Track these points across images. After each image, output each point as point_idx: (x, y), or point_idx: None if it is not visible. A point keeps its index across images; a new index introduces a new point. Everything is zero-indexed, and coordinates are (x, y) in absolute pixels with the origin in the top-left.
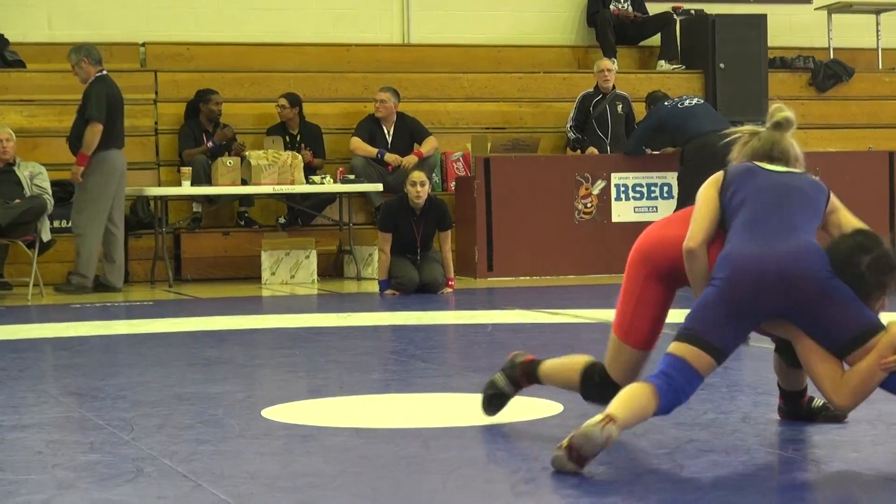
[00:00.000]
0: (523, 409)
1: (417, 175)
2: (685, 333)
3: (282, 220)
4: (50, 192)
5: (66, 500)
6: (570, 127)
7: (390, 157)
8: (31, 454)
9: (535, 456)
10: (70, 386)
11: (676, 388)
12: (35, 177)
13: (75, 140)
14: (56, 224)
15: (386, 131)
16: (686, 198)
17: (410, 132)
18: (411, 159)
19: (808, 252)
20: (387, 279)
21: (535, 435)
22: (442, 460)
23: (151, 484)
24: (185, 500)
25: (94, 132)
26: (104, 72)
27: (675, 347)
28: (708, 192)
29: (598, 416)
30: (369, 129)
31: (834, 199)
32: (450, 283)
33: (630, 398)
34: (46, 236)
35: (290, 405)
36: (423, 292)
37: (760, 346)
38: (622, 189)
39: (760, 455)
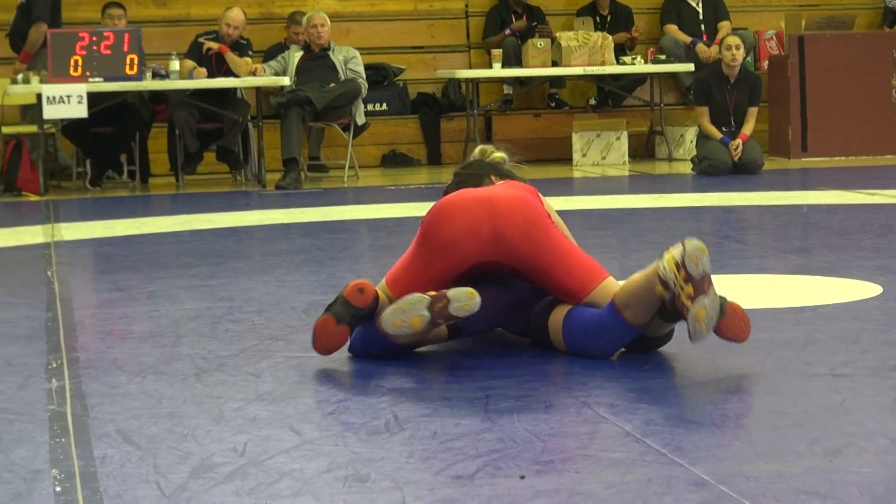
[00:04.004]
0: (842, 290)
1: (732, 39)
2: None
3: (592, 102)
4: (364, 75)
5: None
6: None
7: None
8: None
9: (853, 338)
10: (388, 266)
11: None
12: (349, 61)
13: (17, 39)
14: (370, 107)
15: (695, 5)
16: None
17: (715, 10)
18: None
19: None
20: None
21: (853, 316)
22: (758, 342)
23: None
24: None
25: (40, 32)
26: None
27: None
28: None
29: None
30: (678, 8)
31: None
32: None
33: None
34: (361, 119)
35: None
36: (740, 173)
37: None
38: None
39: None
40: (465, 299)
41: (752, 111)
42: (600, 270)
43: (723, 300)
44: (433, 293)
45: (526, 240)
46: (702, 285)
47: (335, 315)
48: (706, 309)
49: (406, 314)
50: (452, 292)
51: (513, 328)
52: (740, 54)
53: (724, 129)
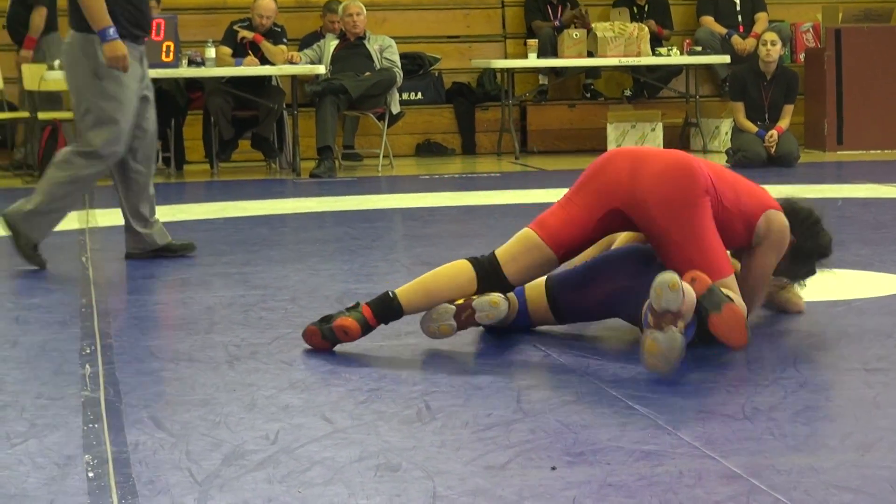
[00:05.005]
0: (876, 284)
1: (769, 35)
2: None
3: (627, 93)
4: (399, 65)
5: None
6: None
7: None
8: None
9: (887, 333)
10: (421, 255)
11: None
12: (385, 50)
13: (17, 26)
14: (405, 96)
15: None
16: None
17: (753, 1)
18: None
19: None
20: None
21: (887, 311)
22: (790, 335)
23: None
24: None
25: (41, 16)
26: None
27: None
28: None
29: None
30: (715, 1)
31: None
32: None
33: None
34: (396, 108)
35: None
36: (776, 165)
37: None
38: None
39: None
40: (488, 308)
41: (788, 108)
42: (721, 269)
43: (723, 298)
44: (460, 302)
45: (661, 210)
46: (659, 320)
47: (322, 333)
48: (657, 344)
49: (437, 323)
50: (477, 302)
51: (623, 315)
52: (776, 51)
53: (758, 124)
